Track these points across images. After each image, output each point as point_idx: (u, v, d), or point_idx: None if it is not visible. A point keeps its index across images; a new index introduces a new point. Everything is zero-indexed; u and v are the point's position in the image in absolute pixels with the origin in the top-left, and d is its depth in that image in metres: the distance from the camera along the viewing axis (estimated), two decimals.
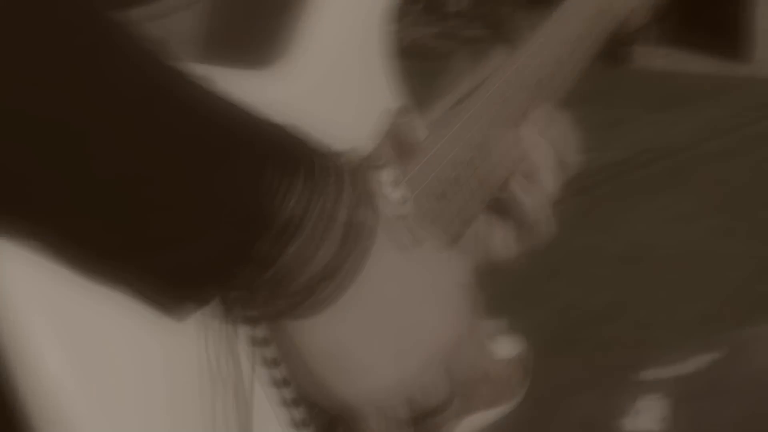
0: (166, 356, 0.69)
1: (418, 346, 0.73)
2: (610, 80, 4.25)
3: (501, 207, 0.91)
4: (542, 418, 0.91)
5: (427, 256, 0.74)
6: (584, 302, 3.14)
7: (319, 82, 0.78)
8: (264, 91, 0.75)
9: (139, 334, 0.68)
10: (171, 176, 0.64)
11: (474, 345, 0.77)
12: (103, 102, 0.62)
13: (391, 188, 0.81)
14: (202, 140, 0.66)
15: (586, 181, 3.55)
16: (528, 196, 0.91)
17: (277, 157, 0.68)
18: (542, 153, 0.91)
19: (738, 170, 3.86)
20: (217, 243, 0.66)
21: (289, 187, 0.67)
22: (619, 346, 2.93)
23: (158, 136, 0.64)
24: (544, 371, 0.89)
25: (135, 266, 0.66)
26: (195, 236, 0.65)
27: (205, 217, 0.65)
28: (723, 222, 3.55)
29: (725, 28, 4.71)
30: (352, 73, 0.80)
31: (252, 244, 0.67)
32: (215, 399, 0.70)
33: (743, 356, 0.88)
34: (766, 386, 0.86)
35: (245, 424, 0.70)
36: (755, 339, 0.89)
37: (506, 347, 0.91)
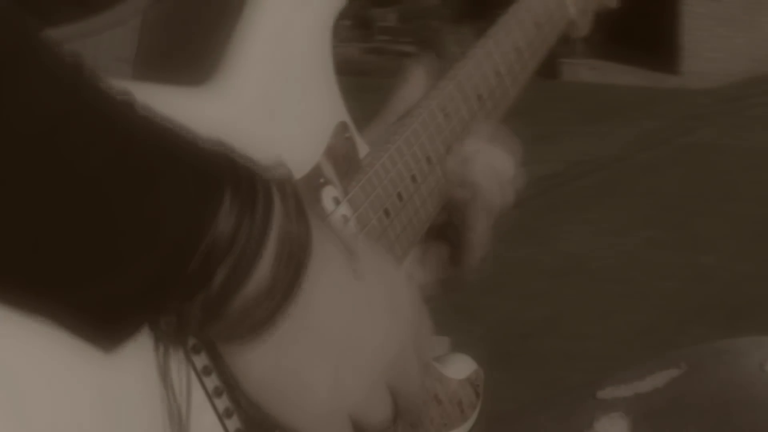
0: (105, 390, 0.66)
1: (358, 367, 0.70)
2: (540, 94, 4.27)
3: (437, 230, 0.89)
4: None
5: (371, 274, 0.72)
6: (520, 316, 3.14)
7: (257, 99, 0.75)
8: (200, 108, 0.72)
9: (74, 367, 0.65)
10: (90, 201, 0.61)
11: (421, 364, 0.74)
12: (15, 122, 0.59)
13: (332, 207, 0.78)
14: (121, 162, 0.62)
15: (518, 195, 3.55)
16: (467, 222, 0.89)
17: (201, 176, 0.65)
18: (479, 185, 0.89)
19: (669, 181, 3.89)
20: (143, 269, 0.63)
21: (215, 207, 0.64)
22: (556, 359, 2.93)
23: (74, 159, 0.61)
24: (496, 392, 0.86)
25: (61, 299, 0.63)
26: (121, 263, 0.62)
27: (130, 243, 0.62)
28: (655, 233, 3.57)
29: (653, 41, 4.75)
30: (291, 90, 0.78)
31: (180, 267, 0.63)
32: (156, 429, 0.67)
33: (702, 373, 0.86)
34: (726, 403, 0.84)
35: None
36: (713, 355, 0.87)
37: (456, 368, 0.89)
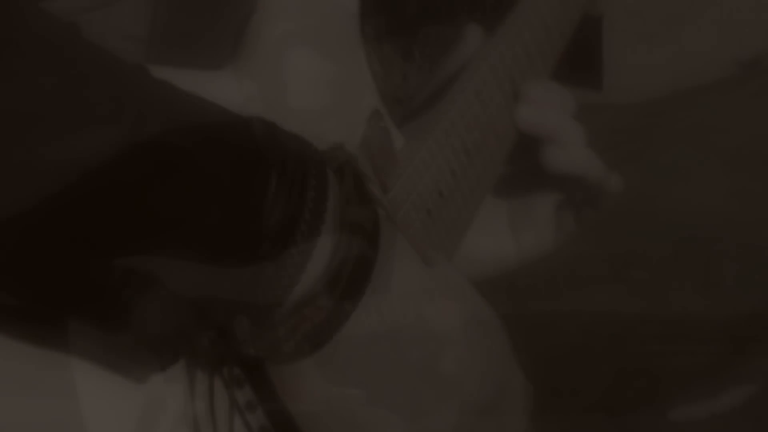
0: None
1: (446, 400, 0.59)
2: None
3: (546, 184, 0.82)
4: None
5: (451, 283, 0.62)
6: None
7: (283, 83, 0.67)
8: (226, 94, 0.64)
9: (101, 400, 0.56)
10: (104, 186, 0.52)
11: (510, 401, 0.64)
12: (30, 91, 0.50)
13: None
14: (138, 141, 0.53)
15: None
16: (566, 159, 0.82)
17: (240, 155, 0.55)
18: (555, 113, 0.82)
19: None
20: (179, 273, 0.53)
21: (260, 192, 0.55)
22: None
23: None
24: (548, 414, 0.77)
25: (94, 328, 0.53)
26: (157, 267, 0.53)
27: (160, 239, 0.53)
28: (585, 248, 3.53)
29: (575, 58, 4.73)
30: (319, 74, 0.70)
31: (222, 265, 0.53)
32: None
33: None
34: None
35: None
36: None
37: None
